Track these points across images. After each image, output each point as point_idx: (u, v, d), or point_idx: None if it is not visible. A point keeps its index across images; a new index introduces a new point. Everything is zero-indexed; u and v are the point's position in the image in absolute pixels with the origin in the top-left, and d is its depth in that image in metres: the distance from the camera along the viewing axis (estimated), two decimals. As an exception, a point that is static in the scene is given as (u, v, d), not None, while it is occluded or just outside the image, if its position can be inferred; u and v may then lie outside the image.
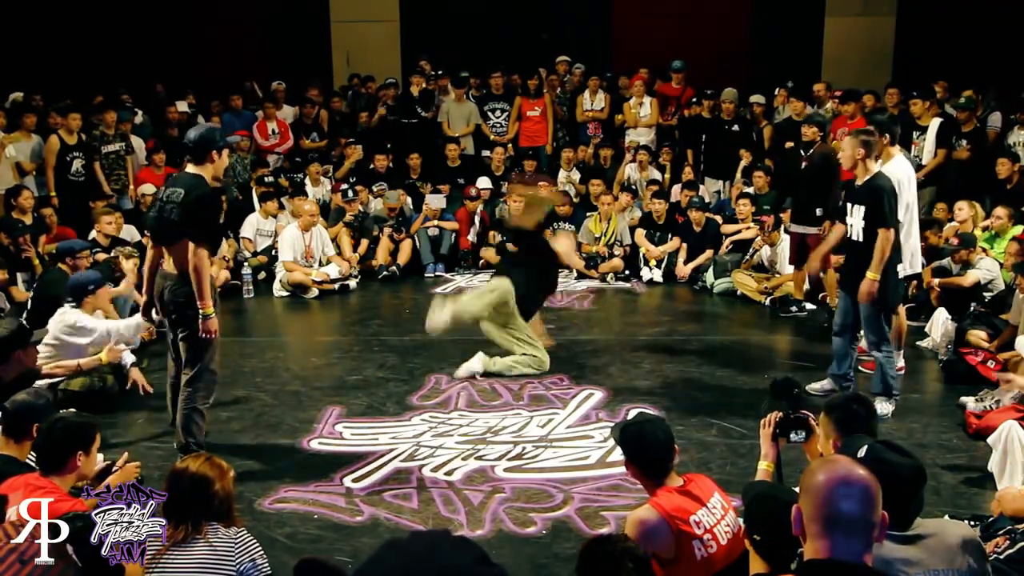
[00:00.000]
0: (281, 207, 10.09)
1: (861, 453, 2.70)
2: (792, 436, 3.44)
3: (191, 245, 4.73)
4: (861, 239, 5.50)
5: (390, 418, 5.68)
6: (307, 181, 10.46)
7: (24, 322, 5.34)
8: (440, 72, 11.66)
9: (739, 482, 4.12)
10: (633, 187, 10.43)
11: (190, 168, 4.95)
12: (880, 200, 5.35)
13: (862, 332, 5.76)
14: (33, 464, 3.61)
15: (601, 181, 10.28)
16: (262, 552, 3.10)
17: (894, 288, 5.61)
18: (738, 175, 10.23)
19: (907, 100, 9.67)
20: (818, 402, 4.59)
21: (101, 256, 7.46)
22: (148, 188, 9.43)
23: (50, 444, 3.42)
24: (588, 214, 9.86)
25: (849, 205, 5.64)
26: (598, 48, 13.26)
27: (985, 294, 7.08)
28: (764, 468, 3.42)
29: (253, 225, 9.47)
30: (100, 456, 3.83)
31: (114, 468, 3.70)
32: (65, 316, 5.84)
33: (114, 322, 6.04)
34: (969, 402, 5.61)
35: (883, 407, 5.46)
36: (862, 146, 5.44)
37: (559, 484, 4.77)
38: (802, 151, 7.72)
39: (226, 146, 5.28)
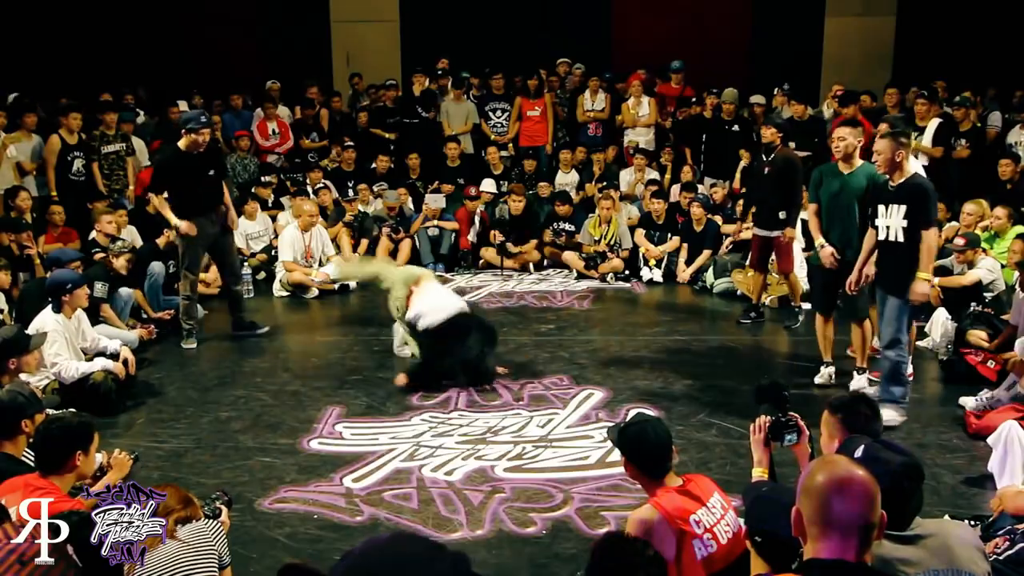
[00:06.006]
0: (280, 207, 10.10)
1: (858, 453, 2.70)
2: (785, 440, 3.40)
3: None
4: (902, 239, 5.30)
5: (390, 418, 5.68)
6: (307, 184, 10.46)
7: (24, 329, 5.28)
8: (441, 72, 11.66)
9: (739, 482, 4.11)
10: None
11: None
12: (925, 199, 5.23)
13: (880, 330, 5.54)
14: (30, 462, 3.59)
15: (610, 191, 10.20)
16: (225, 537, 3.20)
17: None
18: (737, 175, 10.21)
19: (915, 97, 9.60)
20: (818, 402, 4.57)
21: (99, 256, 7.45)
22: None
23: (48, 444, 3.38)
24: (589, 216, 9.84)
25: (883, 207, 5.39)
26: (598, 48, 13.26)
27: (985, 294, 7.08)
28: (759, 475, 3.39)
29: (240, 232, 9.30)
30: (99, 456, 3.82)
31: (105, 465, 3.67)
32: (41, 321, 5.70)
33: (63, 361, 5.71)
34: (969, 402, 5.62)
35: (889, 414, 5.21)
36: (899, 146, 5.26)
37: (559, 484, 4.77)
38: (764, 155, 7.64)
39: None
